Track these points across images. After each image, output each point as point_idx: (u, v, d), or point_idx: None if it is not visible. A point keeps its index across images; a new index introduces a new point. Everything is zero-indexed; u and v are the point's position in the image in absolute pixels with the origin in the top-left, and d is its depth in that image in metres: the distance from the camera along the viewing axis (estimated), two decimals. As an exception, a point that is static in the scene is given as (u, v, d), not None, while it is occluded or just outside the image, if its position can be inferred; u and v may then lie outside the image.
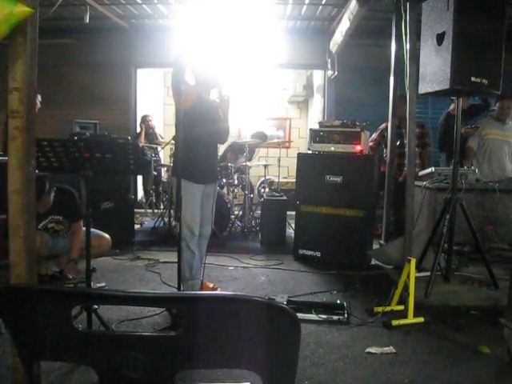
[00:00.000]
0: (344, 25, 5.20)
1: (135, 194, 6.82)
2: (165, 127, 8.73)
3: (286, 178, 8.34)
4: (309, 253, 4.31)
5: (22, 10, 1.52)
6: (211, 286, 3.37)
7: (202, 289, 3.22)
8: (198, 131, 3.03)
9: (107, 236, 3.66)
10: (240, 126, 8.73)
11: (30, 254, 1.69)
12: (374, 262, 4.21)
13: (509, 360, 2.31)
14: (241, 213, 5.60)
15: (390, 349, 2.49)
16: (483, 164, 4.62)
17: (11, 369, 1.76)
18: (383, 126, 4.98)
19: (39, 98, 4.88)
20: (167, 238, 5.05)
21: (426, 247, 3.54)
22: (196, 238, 3.13)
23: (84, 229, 3.28)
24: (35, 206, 3.17)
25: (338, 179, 4.19)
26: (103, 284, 3.47)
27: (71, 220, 3.44)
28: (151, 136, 6.92)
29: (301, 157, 4.54)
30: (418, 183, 3.93)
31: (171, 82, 2.94)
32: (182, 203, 2.60)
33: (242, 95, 8.04)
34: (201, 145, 3.09)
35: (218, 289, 3.39)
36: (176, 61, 2.79)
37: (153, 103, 8.17)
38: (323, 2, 5.66)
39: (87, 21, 5.56)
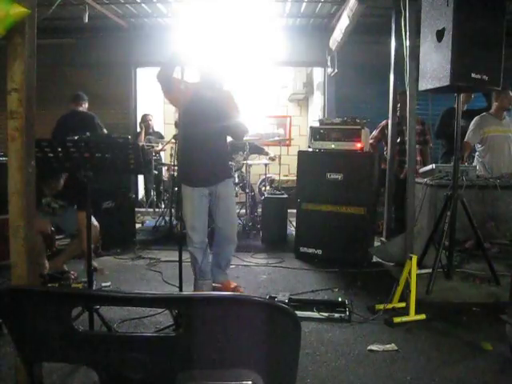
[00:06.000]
0: (343, 22, 5.18)
1: (136, 193, 6.82)
2: (165, 126, 8.72)
3: (286, 175, 8.33)
4: (310, 251, 4.31)
5: (19, 10, 1.51)
6: (233, 286, 3.32)
7: (221, 288, 3.21)
8: (192, 131, 2.92)
9: (95, 223, 3.61)
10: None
11: (31, 254, 1.69)
12: (375, 259, 4.21)
13: (511, 356, 2.31)
14: (242, 211, 5.59)
15: (391, 346, 2.49)
16: (487, 161, 4.60)
17: (14, 369, 1.76)
18: (383, 122, 4.96)
19: None
20: (168, 237, 5.05)
21: (427, 244, 3.54)
22: (196, 242, 3.11)
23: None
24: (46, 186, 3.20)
25: (339, 177, 4.19)
26: (108, 283, 3.46)
27: (79, 208, 3.36)
28: (155, 134, 6.89)
29: (301, 154, 4.53)
30: (418, 180, 3.92)
31: (157, 77, 2.91)
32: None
33: (242, 93, 8.01)
34: (194, 146, 2.99)
35: (241, 289, 3.34)
36: (169, 58, 2.79)
37: (153, 102, 8.15)
38: (322, 0, 5.64)
39: (86, 20, 5.55)
